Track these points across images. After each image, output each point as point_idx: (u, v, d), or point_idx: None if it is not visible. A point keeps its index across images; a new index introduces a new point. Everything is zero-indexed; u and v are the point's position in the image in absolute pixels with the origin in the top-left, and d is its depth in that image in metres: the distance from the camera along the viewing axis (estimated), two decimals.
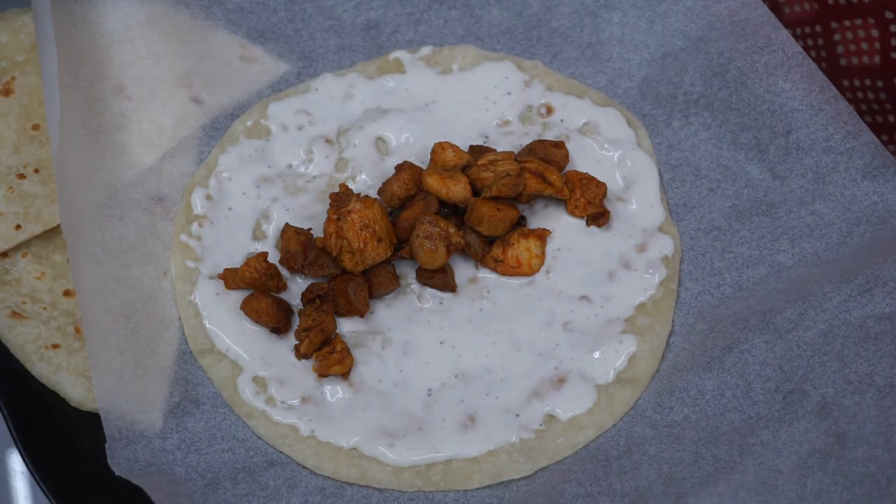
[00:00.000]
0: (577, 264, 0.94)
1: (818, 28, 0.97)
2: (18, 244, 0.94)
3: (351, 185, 0.96)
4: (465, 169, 0.94)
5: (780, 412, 0.83)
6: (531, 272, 0.93)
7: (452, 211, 0.94)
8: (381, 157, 0.97)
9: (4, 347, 0.90)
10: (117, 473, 0.82)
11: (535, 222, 0.95)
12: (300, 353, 0.90)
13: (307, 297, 0.91)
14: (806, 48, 0.99)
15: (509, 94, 1.00)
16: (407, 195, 0.93)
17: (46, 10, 0.92)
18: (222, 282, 0.93)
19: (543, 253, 0.94)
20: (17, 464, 0.99)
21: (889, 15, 0.93)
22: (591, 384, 0.89)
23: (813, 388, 0.83)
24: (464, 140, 0.98)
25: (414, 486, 0.86)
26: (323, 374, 0.89)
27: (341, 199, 0.90)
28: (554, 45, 1.02)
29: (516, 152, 0.97)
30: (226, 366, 0.90)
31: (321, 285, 0.91)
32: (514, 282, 0.93)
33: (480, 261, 0.93)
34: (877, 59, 0.94)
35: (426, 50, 1.02)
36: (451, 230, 0.90)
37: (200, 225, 0.95)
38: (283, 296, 0.93)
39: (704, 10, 0.98)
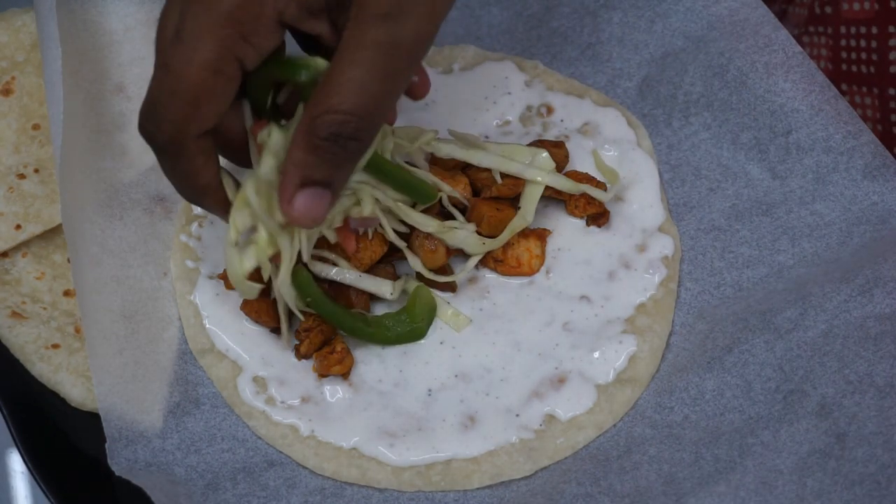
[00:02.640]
0: (577, 264, 0.93)
1: (874, 30, 0.97)
2: (18, 244, 0.94)
3: None
4: (465, 169, 0.94)
5: (780, 412, 0.83)
6: (531, 272, 0.93)
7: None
8: None
9: (4, 347, 0.90)
10: (117, 473, 0.82)
11: (535, 222, 0.95)
12: (300, 354, 0.90)
13: (307, 302, 0.90)
14: (857, 48, 0.99)
15: (509, 94, 1.00)
16: None
17: (51, 9, 0.92)
18: (222, 282, 0.92)
19: (543, 253, 0.94)
20: (17, 464, 0.99)
21: None
22: (591, 384, 0.89)
23: (813, 388, 0.83)
24: None
25: (414, 486, 0.86)
26: (323, 374, 0.89)
27: None
28: (554, 45, 1.02)
29: None
30: (226, 366, 0.90)
31: (322, 285, 0.91)
32: (514, 282, 0.93)
33: (480, 261, 0.93)
34: None
35: None
36: None
37: (200, 225, 0.95)
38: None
39: (704, 10, 0.98)
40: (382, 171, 0.85)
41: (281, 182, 0.77)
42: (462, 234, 0.90)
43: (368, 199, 0.86)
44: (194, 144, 0.77)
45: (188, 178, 0.79)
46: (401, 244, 0.90)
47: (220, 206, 0.82)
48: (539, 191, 0.92)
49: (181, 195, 0.82)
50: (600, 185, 0.94)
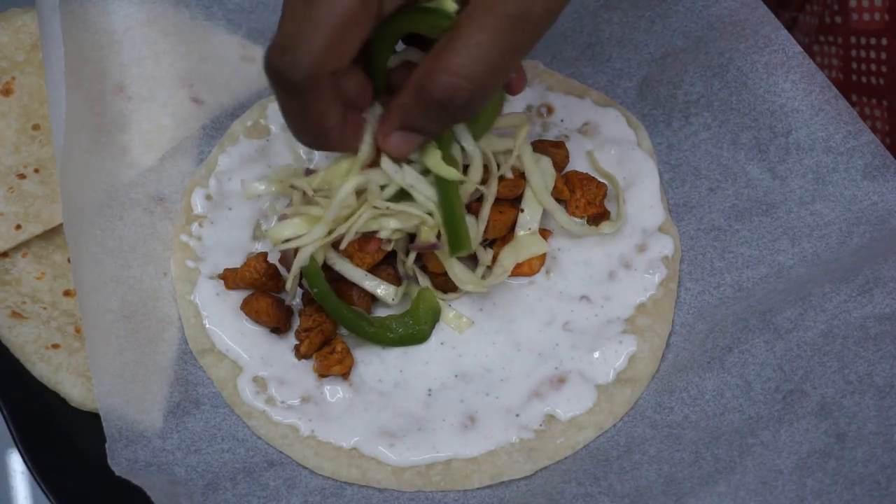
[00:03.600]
0: (577, 264, 0.93)
1: (884, 41, 0.97)
2: (18, 244, 0.94)
3: None
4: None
5: (780, 412, 0.83)
6: (531, 272, 0.93)
7: None
8: None
9: (4, 347, 0.90)
10: (117, 473, 0.82)
11: None
12: (300, 354, 0.90)
13: (307, 297, 0.91)
14: (867, 59, 0.99)
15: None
16: None
17: (53, 9, 0.92)
18: (222, 282, 0.92)
19: (544, 253, 0.94)
20: (17, 464, 0.99)
21: None
22: (591, 384, 0.89)
23: (813, 388, 0.83)
24: None
25: (414, 486, 0.86)
26: (323, 374, 0.89)
27: None
28: (554, 45, 1.02)
29: None
30: (226, 366, 0.90)
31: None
32: (515, 282, 0.93)
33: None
34: None
35: None
36: None
37: (200, 225, 0.95)
38: (283, 296, 0.93)
39: (704, 10, 0.98)
40: (453, 212, 0.86)
41: (383, 118, 0.82)
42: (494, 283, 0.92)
43: (432, 228, 0.87)
44: (328, 81, 0.77)
45: (316, 118, 0.79)
46: (416, 273, 0.91)
47: (348, 144, 0.83)
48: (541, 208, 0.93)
49: (301, 138, 0.82)
50: (600, 186, 0.94)
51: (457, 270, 0.90)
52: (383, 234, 0.87)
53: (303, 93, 0.77)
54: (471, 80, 0.75)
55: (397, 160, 0.85)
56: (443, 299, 0.92)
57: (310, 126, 0.80)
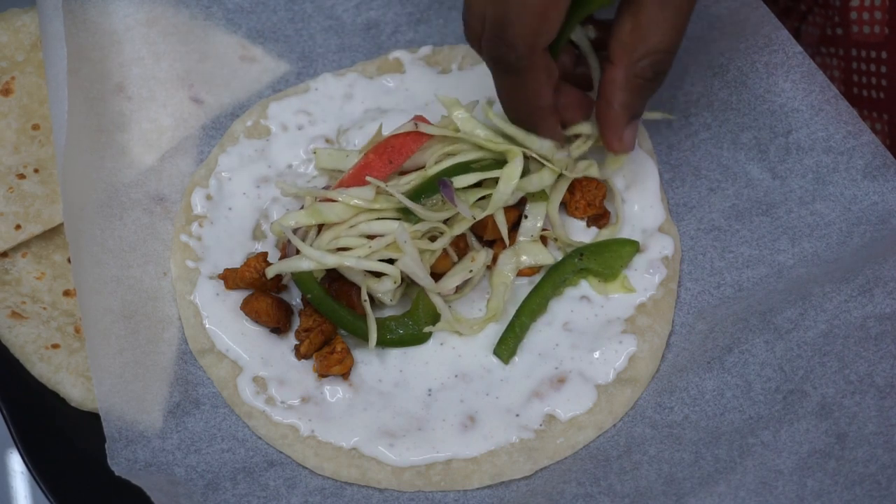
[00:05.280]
0: None
1: (884, 55, 0.97)
2: (18, 244, 0.94)
3: None
4: None
5: (780, 412, 0.83)
6: (531, 273, 0.93)
7: None
8: None
9: (4, 347, 0.90)
10: (117, 473, 0.82)
11: None
12: (300, 354, 0.90)
13: (307, 298, 0.91)
14: (868, 72, 0.99)
15: None
16: None
17: (56, 8, 0.92)
18: (222, 282, 0.92)
19: None
20: (17, 464, 0.99)
21: None
22: (591, 384, 0.89)
23: (813, 388, 0.83)
24: None
25: (414, 486, 0.86)
26: (323, 374, 0.89)
27: None
28: None
29: None
30: (226, 366, 0.90)
31: (323, 285, 0.91)
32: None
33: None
34: None
35: (426, 50, 1.02)
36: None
37: (200, 225, 0.95)
38: (283, 296, 0.93)
39: (704, 10, 0.98)
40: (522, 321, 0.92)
41: (609, 122, 0.88)
42: None
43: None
44: (541, 59, 0.82)
45: (533, 97, 0.85)
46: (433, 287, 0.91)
47: (556, 129, 0.89)
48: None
49: (516, 116, 0.88)
50: (600, 186, 0.94)
51: (463, 326, 0.91)
52: (385, 287, 0.88)
53: (521, 72, 0.82)
54: (671, 51, 0.84)
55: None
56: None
57: (526, 104, 0.86)
